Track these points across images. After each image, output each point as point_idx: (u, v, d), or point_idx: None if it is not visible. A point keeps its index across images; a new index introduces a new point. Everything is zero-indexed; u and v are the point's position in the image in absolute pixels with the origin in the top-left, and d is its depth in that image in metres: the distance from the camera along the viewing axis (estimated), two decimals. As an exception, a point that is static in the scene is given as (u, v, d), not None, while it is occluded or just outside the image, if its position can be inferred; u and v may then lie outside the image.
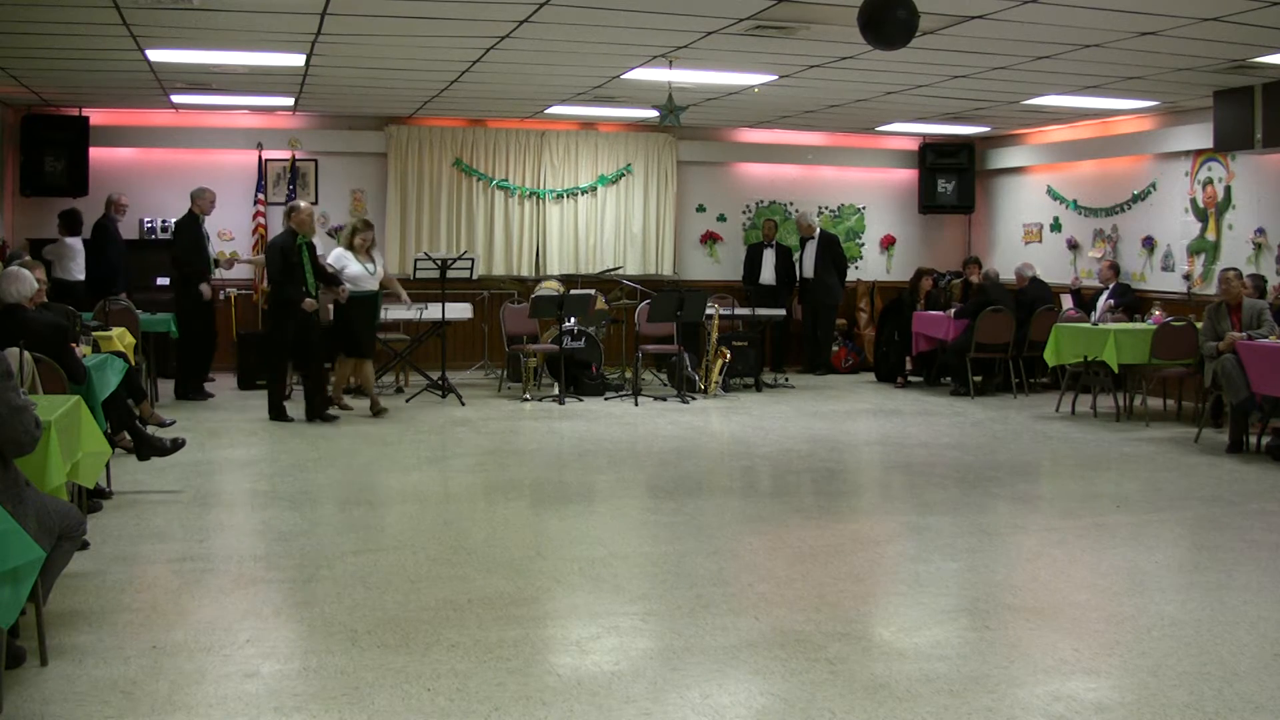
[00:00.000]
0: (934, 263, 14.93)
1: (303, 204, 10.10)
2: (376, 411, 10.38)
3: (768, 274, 14.06)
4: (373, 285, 10.51)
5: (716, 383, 12.07)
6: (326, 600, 5.08)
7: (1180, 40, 8.31)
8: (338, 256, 10.42)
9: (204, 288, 11.23)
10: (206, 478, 7.67)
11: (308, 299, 9.74)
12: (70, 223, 12.11)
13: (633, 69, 10.06)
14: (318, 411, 10.00)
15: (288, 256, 9.69)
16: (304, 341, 9.81)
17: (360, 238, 10.49)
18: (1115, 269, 12.76)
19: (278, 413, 10.03)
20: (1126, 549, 6.20)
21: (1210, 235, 11.96)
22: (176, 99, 12.16)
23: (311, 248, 9.94)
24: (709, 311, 12.09)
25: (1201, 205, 12.08)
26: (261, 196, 13.40)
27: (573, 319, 11.71)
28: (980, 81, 10.43)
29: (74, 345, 6.64)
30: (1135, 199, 12.98)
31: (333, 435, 9.44)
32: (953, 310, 12.40)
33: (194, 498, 7.11)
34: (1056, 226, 14.24)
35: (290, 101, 12.44)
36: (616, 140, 14.38)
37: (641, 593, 5.31)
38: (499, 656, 4.38)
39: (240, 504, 7.09)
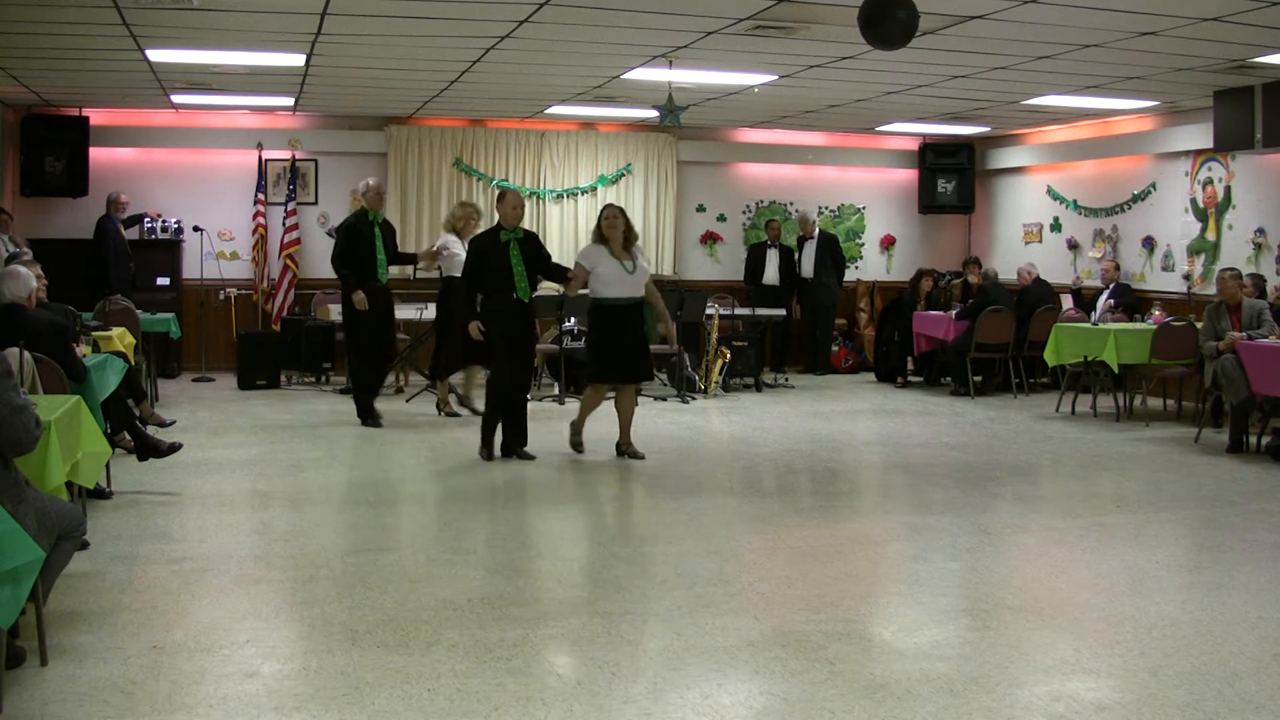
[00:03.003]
0: (934, 263, 14.92)
1: (509, 191, 8.59)
2: (631, 453, 8.47)
3: (771, 274, 14.04)
4: (632, 291, 8.24)
5: (716, 383, 12.07)
6: (326, 600, 5.08)
7: (1180, 40, 8.31)
8: (585, 253, 8.41)
9: (357, 297, 9.51)
10: (206, 478, 7.67)
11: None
12: None
13: (633, 69, 10.06)
14: (514, 448, 8.49)
15: (486, 258, 8.27)
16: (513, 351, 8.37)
17: (607, 225, 8.27)
18: (1118, 268, 12.77)
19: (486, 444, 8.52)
20: (1126, 549, 6.20)
21: (1210, 235, 11.96)
22: (176, 99, 12.16)
23: (523, 242, 8.34)
24: (709, 311, 12.09)
25: (1201, 205, 12.08)
26: (261, 197, 13.40)
27: (573, 319, 11.71)
28: (980, 81, 10.43)
29: (74, 345, 6.64)
30: (1135, 199, 12.98)
31: (333, 435, 9.44)
32: (953, 313, 12.39)
33: (194, 498, 7.11)
34: (1056, 226, 14.24)
35: (290, 101, 12.44)
36: (616, 140, 14.38)
37: (641, 593, 5.31)
38: (499, 656, 4.38)
39: (240, 504, 7.08)
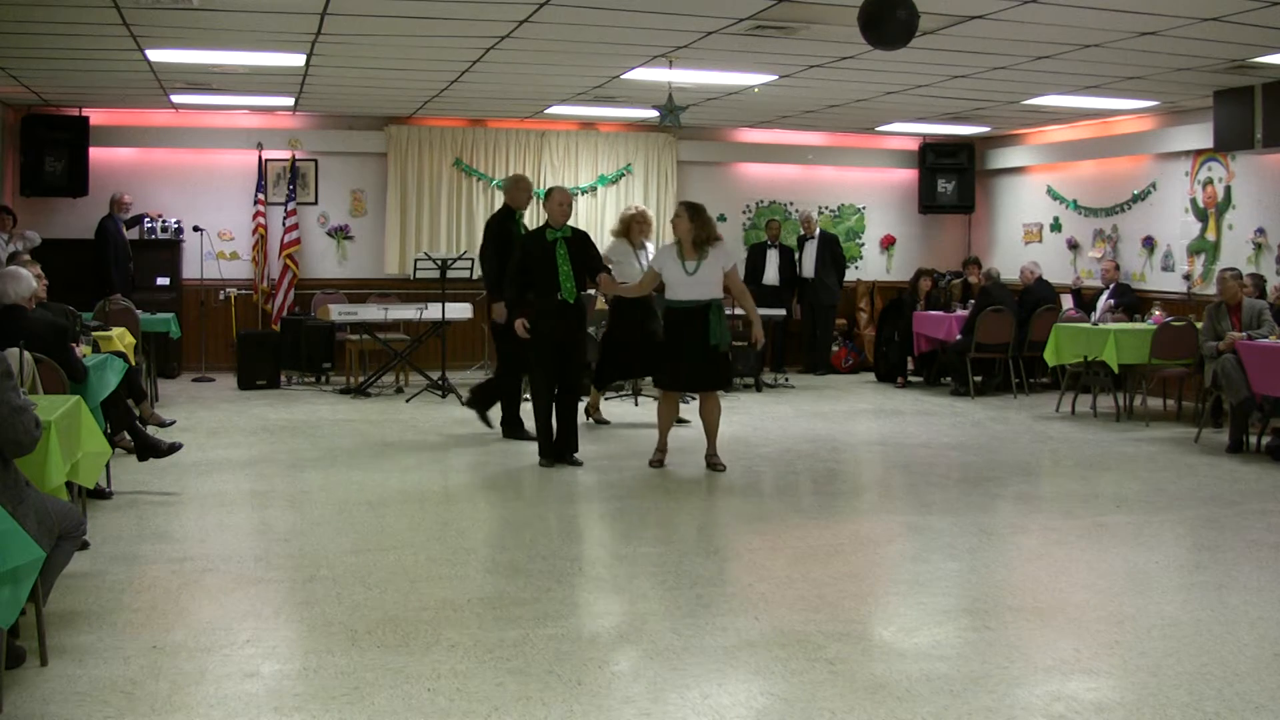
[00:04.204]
0: (934, 263, 14.92)
1: (555, 189, 8.39)
2: (714, 465, 8.12)
3: (771, 274, 14.03)
4: (692, 293, 7.83)
5: (716, 383, 12.04)
6: (326, 600, 5.08)
7: (1180, 40, 8.31)
8: (656, 255, 8.35)
9: (497, 309, 8.80)
10: (206, 478, 7.67)
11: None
12: None
13: (633, 69, 10.06)
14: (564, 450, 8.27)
15: (532, 258, 8.11)
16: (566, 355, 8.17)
17: (673, 225, 8.09)
18: (1118, 268, 12.77)
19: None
20: (1126, 549, 6.20)
21: (1210, 235, 11.96)
22: (176, 99, 12.16)
23: (571, 241, 8.16)
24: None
25: (1201, 205, 12.08)
26: (261, 197, 13.40)
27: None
28: (980, 81, 10.43)
29: (74, 345, 6.64)
30: (1135, 199, 12.98)
31: (333, 435, 9.44)
32: (956, 316, 12.36)
33: (194, 498, 7.11)
34: (1056, 226, 14.24)
35: (290, 101, 12.44)
36: (616, 140, 14.38)
37: (641, 593, 5.31)
38: (499, 656, 4.38)
39: (240, 504, 7.09)
